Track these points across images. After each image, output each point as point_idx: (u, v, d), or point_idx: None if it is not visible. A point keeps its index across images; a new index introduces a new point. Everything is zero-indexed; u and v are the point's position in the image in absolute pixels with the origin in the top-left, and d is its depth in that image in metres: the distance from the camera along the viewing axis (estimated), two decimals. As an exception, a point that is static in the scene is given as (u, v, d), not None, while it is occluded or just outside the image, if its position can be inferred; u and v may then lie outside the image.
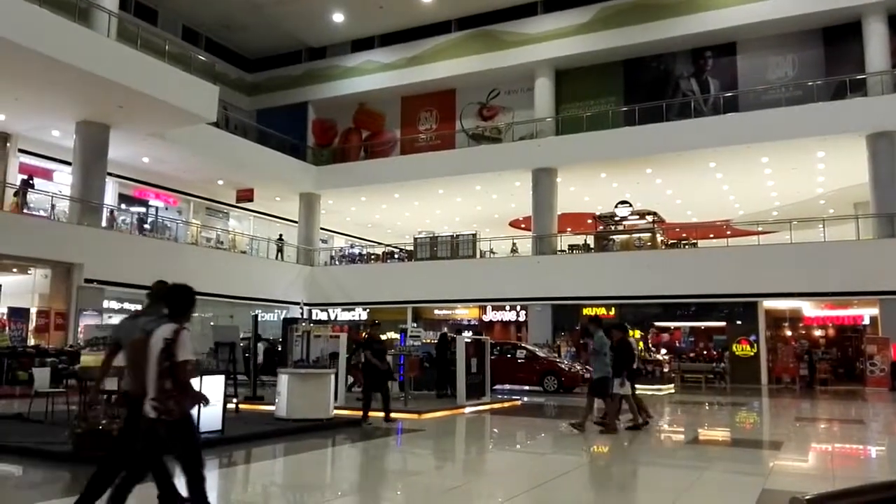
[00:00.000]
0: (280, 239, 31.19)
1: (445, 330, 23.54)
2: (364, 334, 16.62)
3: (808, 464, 9.68)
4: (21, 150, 23.53)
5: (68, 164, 22.62)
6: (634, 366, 12.22)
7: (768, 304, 24.60)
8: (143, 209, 27.73)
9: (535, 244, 27.61)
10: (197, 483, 4.71)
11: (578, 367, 21.43)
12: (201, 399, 4.94)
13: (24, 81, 18.51)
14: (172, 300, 5.05)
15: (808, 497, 2.31)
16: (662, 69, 28.69)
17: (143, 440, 4.89)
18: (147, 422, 4.78)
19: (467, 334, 19.44)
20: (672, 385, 23.41)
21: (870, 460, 10.33)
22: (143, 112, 20.85)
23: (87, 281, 20.59)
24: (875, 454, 10.74)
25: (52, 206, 21.60)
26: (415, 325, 26.20)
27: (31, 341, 19.15)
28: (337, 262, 32.87)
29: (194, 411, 4.93)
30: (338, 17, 31.52)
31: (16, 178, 22.54)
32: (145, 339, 4.93)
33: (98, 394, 5.86)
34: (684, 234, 29.44)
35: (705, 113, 26.82)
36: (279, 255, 30.96)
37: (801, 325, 26.33)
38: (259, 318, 17.92)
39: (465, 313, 29.47)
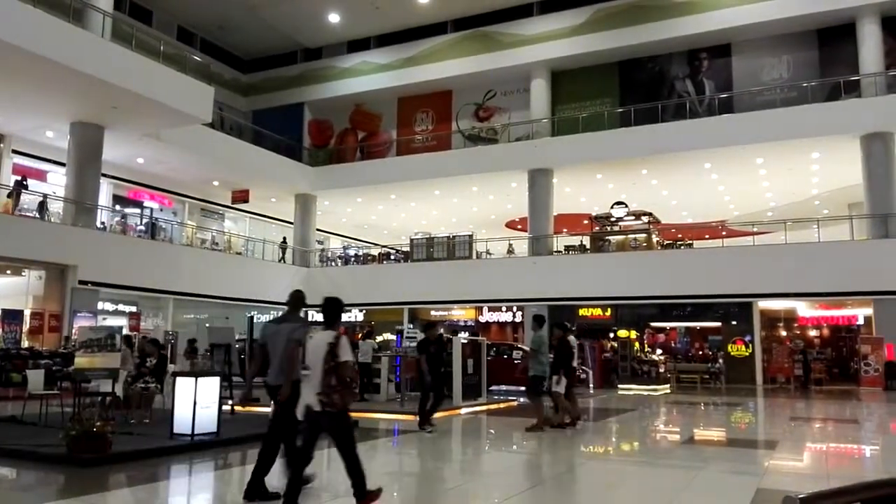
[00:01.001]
0: (284, 242, 31.24)
1: (441, 331, 23.50)
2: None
3: (803, 463, 9.69)
4: (15, 151, 23.45)
5: (62, 164, 22.55)
6: (575, 364, 12.44)
7: (763, 304, 24.64)
8: (154, 214, 27.66)
9: (532, 245, 27.62)
10: (356, 464, 5.68)
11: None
12: (357, 395, 5.64)
13: (18, 82, 18.44)
14: (327, 310, 5.99)
15: (801, 496, 2.31)
16: (658, 70, 28.75)
17: (307, 429, 5.75)
18: (311, 413, 5.63)
19: (464, 335, 19.44)
20: (668, 385, 23.46)
21: (864, 459, 10.35)
22: (138, 113, 20.78)
23: (81, 282, 20.52)
24: (869, 453, 10.76)
25: (42, 206, 21.47)
26: (411, 326, 26.19)
27: (25, 343, 19.10)
28: (332, 264, 32.82)
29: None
30: (333, 18, 31.50)
31: (9, 179, 22.48)
32: (297, 347, 6.23)
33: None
34: (680, 235, 29.51)
35: (700, 114, 26.90)
36: (283, 257, 31.02)
37: (795, 325, 26.41)
38: (255, 320, 17.89)
39: (461, 314, 29.47)
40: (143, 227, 25.95)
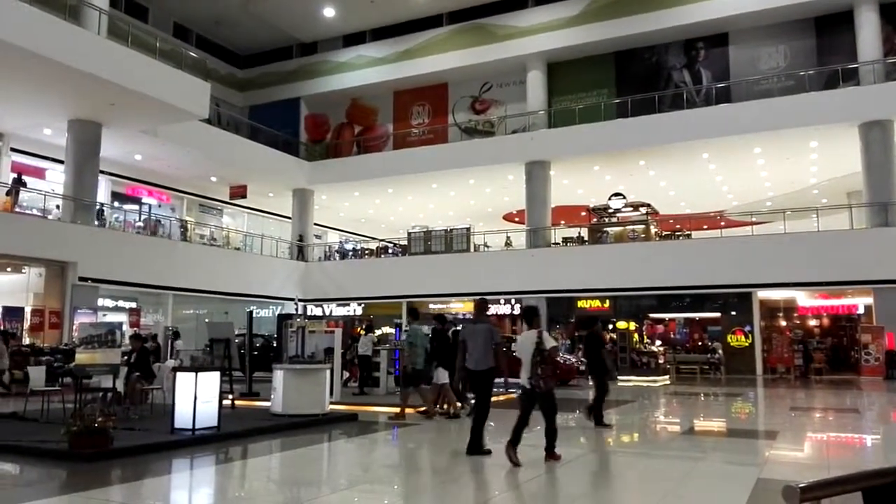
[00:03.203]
0: (301, 239, 31.32)
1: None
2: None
3: (804, 453, 9.72)
4: (13, 149, 23.43)
5: (61, 162, 22.53)
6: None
7: (763, 294, 24.65)
8: (153, 211, 27.69)
9: (530, 237, 27.61)
10: (553, 431, 7.91)
11: (573, 360, 21.50)
12: (558, 380, 7.77)
13: (15, 80, 18.39)
14: (527, 315, 8.61)
15: (801, 485, 2.32)
16: (654, 61, 28.71)
17: (541, 402, 7.90)
18: (524, 391, 7.96)
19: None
20: (667, 376, 23.48)
21: (864, 449, 10.38)
22: (135, 109, 20.75)
23: (81, 279, 20.53)
24: (870, 443, 10.79)
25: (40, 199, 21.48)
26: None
27: (26, 340, 19.10)
28: (330, 258, 32.82)
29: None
30: (328, 12, 31.43)
31: (8, 176, 22.46)
32: (500, 345, 8.71)
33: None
34: (678, 226, 29.49)
35: (698, 104, 26.87)
36: (301, 254, 31.09)
37: (795, 314, 26.40)
38: (254, 315, 17.90)
39: (459, 307, 29.46)
40: (140, 224, 25.91)
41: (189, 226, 27.92)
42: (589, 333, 12.03)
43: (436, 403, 12.53)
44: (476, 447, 8.40)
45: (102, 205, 24.94)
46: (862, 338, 22.90)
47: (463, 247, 28.61)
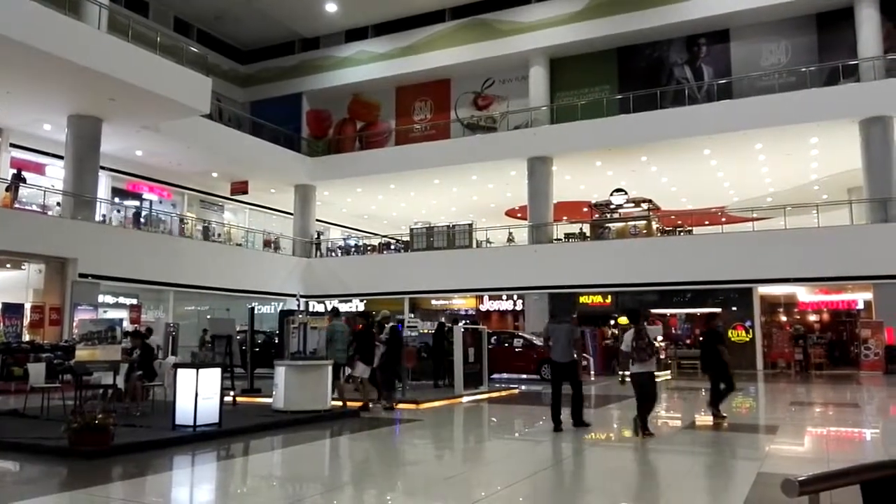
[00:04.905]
0: (318, 237, 31.44)
1: (443, 320, 23.55)
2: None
3: (803, 447, 9.73)
4: (12, 145, 23.42)
5: (60, 158, 22.52)
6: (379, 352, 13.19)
7: (763, 289, 24.64)
8: (154, 206, 27.72)
9: (532, 233, 27.61)
10: (646, 412, 9.43)
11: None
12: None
13: (15, 75, 18.38)
14: (631, 314, 10.43)
15: (800, 479, 2.32)
16: (656, 57, 28.68)
17: (645, 385, 9.39)
18: (634, 377, 9.38)
19: (463, 323, 19.44)
20: (668, 371, 23.49)
21: (864, 443, 10.39)
22: (136, 105, 20.73)
23: (81, 275, 20.52)
24: (869, 437, 10.79)
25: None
26: (412, 315, 26.21)
27: (26, 337, 19.11)
28: (332, 254, 32.82)
29: None
30: (330, 7, 31.39)
31: (7, 172, 22.45)
32: (581, 340, 10.83)
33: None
34: (679, 222, 29.48)
35: (699, 100, 26.86)
36: (317, 251, 31.09)
37: (795, 310, 26.39)
38: (255, 311, 17.91)
39: (462, 303, 29.49)
40: (143, 220, 25.97)
41: (191, 223, 27.93)
42: (709, 330, 12.02)
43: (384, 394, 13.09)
44: (579, 421, 10.17)
45: (139, 209, 25.20)
46: (861, 333, 22.93)
47: (465, 243, 28.62)
